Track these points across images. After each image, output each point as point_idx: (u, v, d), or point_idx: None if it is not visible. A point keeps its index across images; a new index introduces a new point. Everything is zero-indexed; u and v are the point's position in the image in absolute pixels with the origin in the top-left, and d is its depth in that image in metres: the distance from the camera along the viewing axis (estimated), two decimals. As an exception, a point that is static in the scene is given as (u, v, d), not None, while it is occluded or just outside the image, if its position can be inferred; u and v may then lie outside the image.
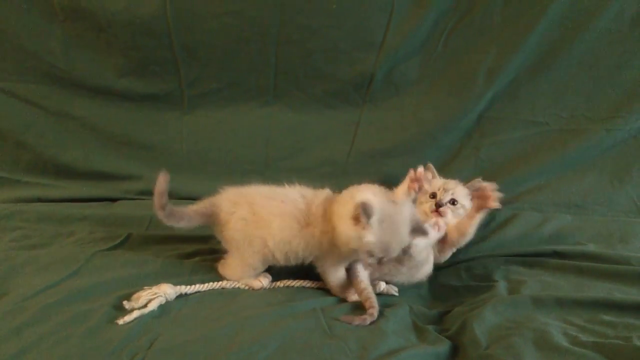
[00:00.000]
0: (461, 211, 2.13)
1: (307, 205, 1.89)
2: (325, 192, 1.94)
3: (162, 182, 1.92)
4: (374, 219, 1.67)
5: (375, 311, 1.71)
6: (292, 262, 1.93)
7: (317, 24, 2.58)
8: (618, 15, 2.49)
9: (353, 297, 1.87)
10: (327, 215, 1.83)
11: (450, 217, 2.13)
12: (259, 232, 1.88)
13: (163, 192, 1.92)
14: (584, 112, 2.60)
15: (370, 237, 1.68)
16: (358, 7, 2.55)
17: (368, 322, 1.66)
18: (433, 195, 2.18)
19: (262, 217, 1.89)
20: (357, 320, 1.65)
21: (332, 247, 1.82)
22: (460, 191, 2.16)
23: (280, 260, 1.91)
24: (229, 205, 1.95)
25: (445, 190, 2.15)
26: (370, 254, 1.72)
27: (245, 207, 1.92)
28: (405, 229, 1.74)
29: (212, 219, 1.98)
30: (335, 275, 1.92)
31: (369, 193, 1.77)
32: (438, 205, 2.13)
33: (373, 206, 1.67)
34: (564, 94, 2.60)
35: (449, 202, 2.14)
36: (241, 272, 1.94)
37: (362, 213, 1.65)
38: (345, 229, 1.73)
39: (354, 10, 2.55)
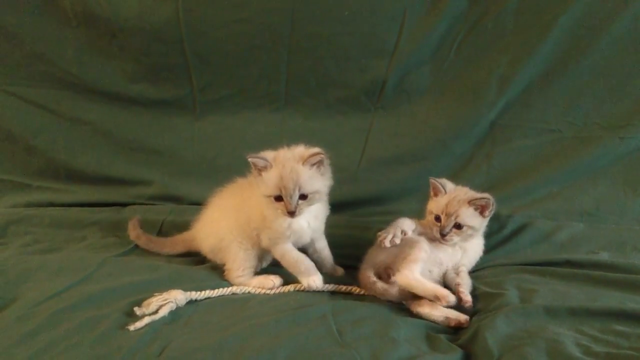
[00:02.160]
0: (469, 232, 2.09)
1: (242, 188, 2.12)
2: None
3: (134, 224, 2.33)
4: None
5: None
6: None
7: (328, 31, 2.59)
8: (631, 23, 2.47)
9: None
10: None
11: (459, 240, 2.11)
12: (220, 227, 2.06)
13: (136, 228, 2.32)
14: (597, 119, 2.57)
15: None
16: (370, 14, 2.55)
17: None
18: (437, 218, 2.12)
19: (218, 214, 2.11)
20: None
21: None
22: (464, 212, 2.07)
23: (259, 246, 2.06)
24: (198, 225, 2.21)
25: (448, 215, 2.08)
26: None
27: (207, 211, 2.18)
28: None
29: (194, 244, 2.22)
30: None
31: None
32: (442, 235, 2.08)
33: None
34: (576, 101, 2.58)
35: (454, 226, 2.09)
36: (241, 271, 2.01)
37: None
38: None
39: (365, 17, 2.55)
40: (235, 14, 2.56)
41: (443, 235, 2.08)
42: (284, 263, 2.02)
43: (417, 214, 2.28)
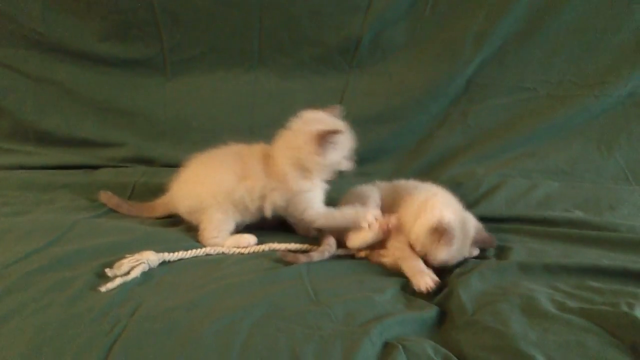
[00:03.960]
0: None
1: (243, 160, 2.01)
2: (260, 147, 2.05)
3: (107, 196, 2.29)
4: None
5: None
6: (255, 216, 2.05)
7: (302, -14, 2.54)
8: (607, -21, 2.46)
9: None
10: (269, 170, 1.97)
11: None
12: (203, 189, 2.00)
13: (111, 197, 2.28)
14: (573, 77, 2.58)
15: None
16: (344, -31, 2.50)
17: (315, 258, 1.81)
18: None
19: (202, 177, 2.05)
20: (302, 258, 1.78)
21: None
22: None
23: (240, 213, 2.02)
24: (176, 185, 2.14)
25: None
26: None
27: (187, 172, 2.11)
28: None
29: (170, 206, 2.18)
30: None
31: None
32: None
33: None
34: (552, 59, 2.59)
35: None
36: (217, 232, 1.98)
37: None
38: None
39: (339, -29, 2.50)
40: (205, -31, 2.50)
41: None
42: (329, 224, 1.99)
43: (394, 175, 2.28)
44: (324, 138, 1.86)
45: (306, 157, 1.90)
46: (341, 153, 1.94)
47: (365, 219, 1.88)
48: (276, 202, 1.98)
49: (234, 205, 2.00)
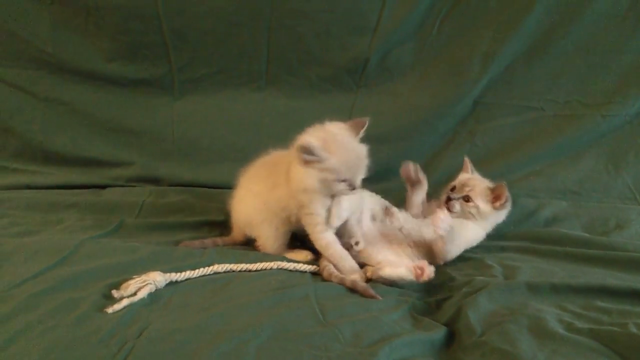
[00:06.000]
0: (473, 210, 2.12)
1: (276, 169, 1.99)
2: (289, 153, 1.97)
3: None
4: (318, 151, 1.73)
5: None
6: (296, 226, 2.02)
7: (309, 8, 2.55)
8: (613, -1, 2.46)
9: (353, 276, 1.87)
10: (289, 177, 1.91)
11: (460, 210, 2.13)
12: (244, 205, 2.06)
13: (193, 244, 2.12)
14: (580, 97, 2.58)
15: (330, 162, 1.74)
16: (351, -11, 2.51)
17: None
18: (452, 188, 2.19)
19: (244, 192, 2.08)
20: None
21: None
22: (480, 191, 2.13)
23: (284, 223, 2.01)
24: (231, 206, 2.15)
25: (464, 186, 2.15)
26: (337, 179, 1.77)
27: (236, 190, 2.11)
28: (355, 145, 1.83)
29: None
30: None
31: (306, 135, 1.81)
32: (448, 199, 2.14)
33: (311, 144, 1.72)
34: (559, 79, 2.59)
35: (462, 197, 2.13)
36: (270, 246, 2.03)
37: (303, 153, 1.72)
38: (296, 175, 1.83)
39: (347, -7, 2.52)
40: (213, -10, 2.52)
41: (449, 199, 2.14)
42: (327, 254, 1.93)
43: (400, 194, 2.28)
44: (306, 152, 1.74)
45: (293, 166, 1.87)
46: (331, 174, 1.77)
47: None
48: (292, 210, 1.96)
49: (276, 215, 2.00)
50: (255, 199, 2.02)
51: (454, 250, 2.07)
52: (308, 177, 1.80)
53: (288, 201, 1.93)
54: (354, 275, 1.85)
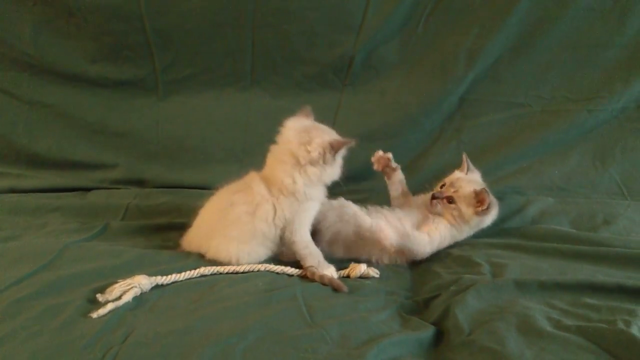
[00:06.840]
0: (455, 213, 2.11)
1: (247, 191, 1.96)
2: (252, 175, 2.01)
3: None
4: None
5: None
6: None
7: (294, 6, 2.55)
8: (598, -6, 2.47)
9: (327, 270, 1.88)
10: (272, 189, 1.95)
11: (441, 211, 2.13)
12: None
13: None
14: (566, 92, 2.59)
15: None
16: (336, -13, 2.50)
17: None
18: (442, 185, 2.19)
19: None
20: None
21: None
22: (464, 194, 2.12)
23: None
24: None
25: (452, 185, 2.15)
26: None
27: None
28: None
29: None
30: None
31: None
32: (433, 197, 2.15)
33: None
34: (545, 75, 2.60)
35: (446, 198, 2.12)
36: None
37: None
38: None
39: (331, -10, 2.51)
40: (196, -11, 2.50)
41: (433, 197, 2.14)
42: (305, 253, 1.94)
43: (386, 192, 2.28)
44: (336, 148, 1.90)
45: (312, 166, 1.90)
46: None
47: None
48: (286, 215, 1.94)
49: (265, 237, 1.97)
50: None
51: (421, 250, 2.08)
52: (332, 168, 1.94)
53: (274, 211, 1.95)
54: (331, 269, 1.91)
